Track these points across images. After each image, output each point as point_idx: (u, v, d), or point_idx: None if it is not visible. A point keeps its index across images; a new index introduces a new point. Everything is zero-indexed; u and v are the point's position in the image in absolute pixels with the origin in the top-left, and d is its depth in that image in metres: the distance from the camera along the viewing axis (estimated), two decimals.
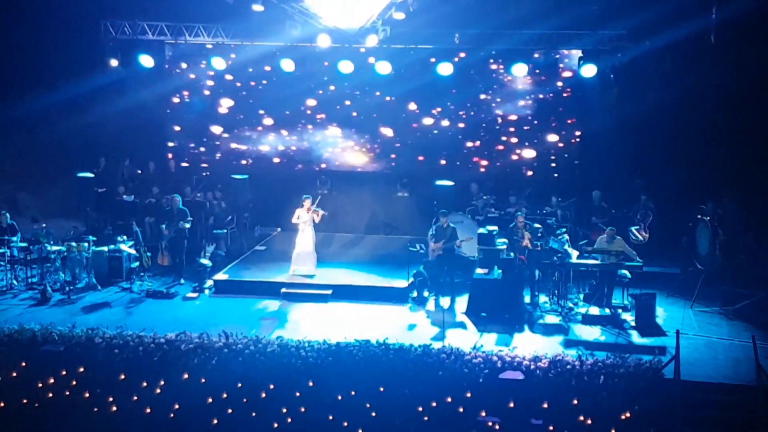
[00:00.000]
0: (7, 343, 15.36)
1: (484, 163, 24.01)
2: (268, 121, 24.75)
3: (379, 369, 14.55)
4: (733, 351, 15.54)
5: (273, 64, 23.39)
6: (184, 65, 24.39)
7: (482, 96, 23.81)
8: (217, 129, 24.99)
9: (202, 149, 25.16)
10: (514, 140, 23.87)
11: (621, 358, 14.49)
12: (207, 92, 24.78)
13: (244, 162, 24.95)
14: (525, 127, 23.78)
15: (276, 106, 24.52)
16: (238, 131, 24.95)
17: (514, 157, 23.91)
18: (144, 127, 24.47)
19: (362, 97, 24.18)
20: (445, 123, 24.13)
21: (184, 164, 25.04)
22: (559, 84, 23.40)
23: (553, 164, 23.78)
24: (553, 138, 23.69)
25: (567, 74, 23.14)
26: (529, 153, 23.85)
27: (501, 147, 23.93)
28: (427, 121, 24.20)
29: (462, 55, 22.89)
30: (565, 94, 23.53)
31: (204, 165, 25.08)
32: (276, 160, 24.90)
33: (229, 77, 24.44)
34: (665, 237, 20.39)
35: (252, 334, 15.50)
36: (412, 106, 24.11)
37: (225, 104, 24.84)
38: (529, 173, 23.84)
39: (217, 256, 20.50)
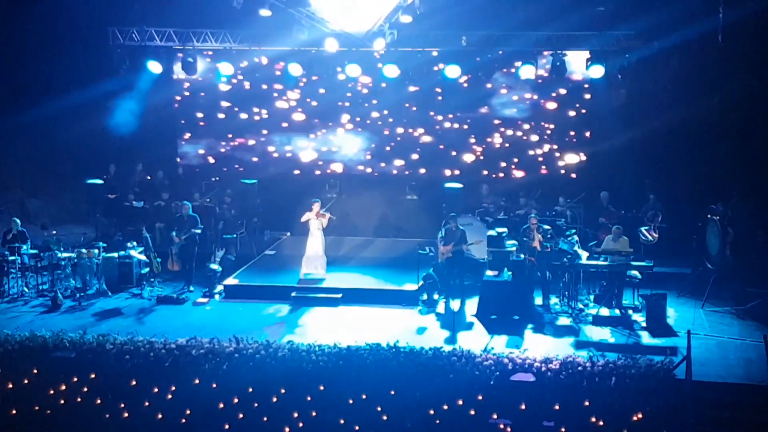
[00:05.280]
0: (18, 350, 15.36)
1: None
2: (279, 125, 24.86)
3: (390, 372, 14.52)
4: (745, 351, 15.48)
5: (280, 69, 23.44)
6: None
7: (489, 97, 23.82)
8: (226, 134, 25.08)
9: (210, 158, 25.27)
10: (532, 141, 23.94)
11: (632, 358, 14.42)
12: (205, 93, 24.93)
13: (254, 159, 25.01)
14: (531, 128, 23.81)
15: (284, 110, 24.66)
16: (248, 136, 24.99)
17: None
18: (153, 132, 24.56)
19: (370, 99, 24.32)
20: (454, 125, 24.23)
21: (195, 167, 25.15)
22: (568, 85, 23.36)
23: (562, 162, 23.79)
24: (561, 139, 23.74)
25: (575, 75, 23.06)
26: (538, 153, 23.92)
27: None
28: (436, 123, 24.29)
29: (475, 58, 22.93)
30: (572, 95, 23.53)
31: (213, 167, 25.16)
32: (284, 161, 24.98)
33: (237, 81, 24.60)
34: (675, 237, 20.33)
35: (262, 339, 15.45)
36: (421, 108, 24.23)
37: (232, 109, 24.92)
38: (543, 170, 23.87)
39: (227, 261, 20.47)
